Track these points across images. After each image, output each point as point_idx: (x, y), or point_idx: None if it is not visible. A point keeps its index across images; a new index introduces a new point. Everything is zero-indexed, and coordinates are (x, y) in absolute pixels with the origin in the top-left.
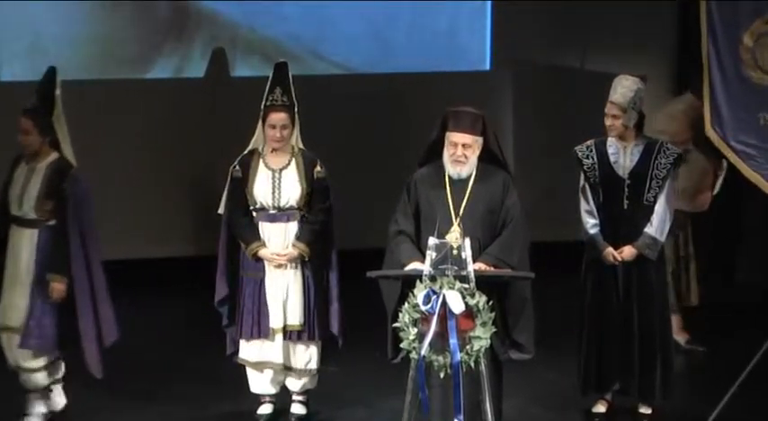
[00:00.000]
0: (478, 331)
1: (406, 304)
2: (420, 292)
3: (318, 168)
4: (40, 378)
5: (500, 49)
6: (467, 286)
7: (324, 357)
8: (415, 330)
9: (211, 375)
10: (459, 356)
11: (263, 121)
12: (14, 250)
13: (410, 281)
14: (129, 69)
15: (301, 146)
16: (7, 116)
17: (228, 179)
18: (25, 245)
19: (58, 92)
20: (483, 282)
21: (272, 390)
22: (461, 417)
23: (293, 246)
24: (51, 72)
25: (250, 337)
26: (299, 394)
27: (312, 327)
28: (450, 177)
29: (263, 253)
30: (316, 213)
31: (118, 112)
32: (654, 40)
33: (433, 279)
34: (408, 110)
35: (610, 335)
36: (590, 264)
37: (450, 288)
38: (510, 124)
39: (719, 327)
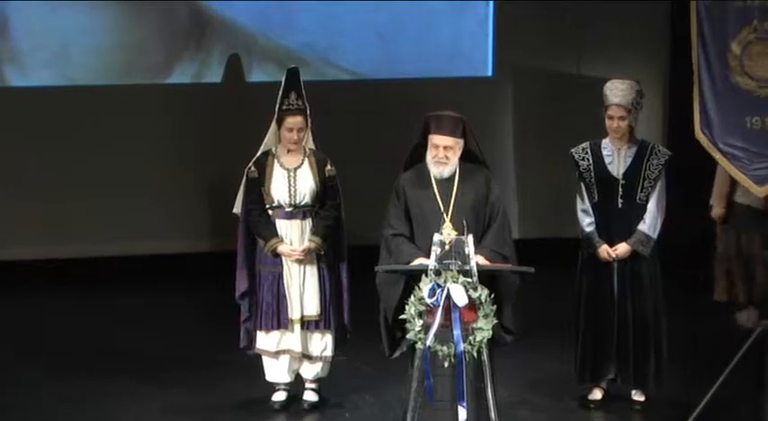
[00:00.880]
0: (481, 323)
1: (413, 297)
2: (425, 286)
3: (329, 167)
4: None
5: (502, 55)
6: (470, 280)
7: (333, 346)
8: (421, 322)
9: (224, 366)
10: (462, 346)
11: (279, 124)
12: None
13: (415, 276)
14: (150, 75)
15: (312, 146)
16: (35, 121)
17: (244, 180)
18: None
19: None
20: (483, 274)
21: (288, 379)
22: (464, 404)
23: (309, 240)
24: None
25: (270, 329)
26: (311, 382)
27: (328, 317)
28: (434, 178)
29: (281, 249)
30: (328, 209)
31: (140, 114)
32: (644, 43)
33: (437, 273)
34: (413, 114)
35: (605, 327)
36: (586, 259)
37: (455, 281)
38: (511, 127)
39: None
